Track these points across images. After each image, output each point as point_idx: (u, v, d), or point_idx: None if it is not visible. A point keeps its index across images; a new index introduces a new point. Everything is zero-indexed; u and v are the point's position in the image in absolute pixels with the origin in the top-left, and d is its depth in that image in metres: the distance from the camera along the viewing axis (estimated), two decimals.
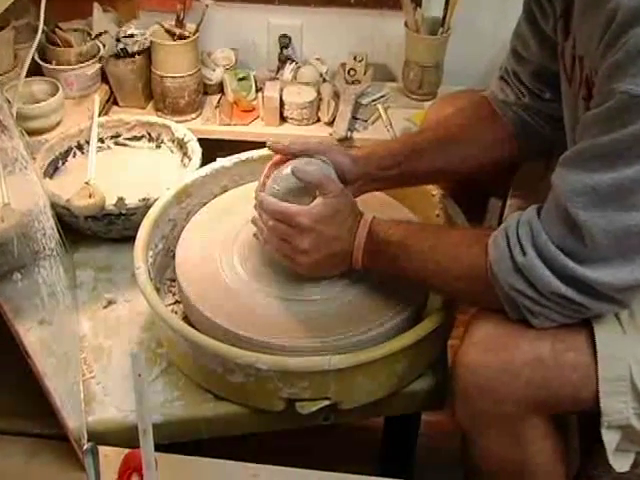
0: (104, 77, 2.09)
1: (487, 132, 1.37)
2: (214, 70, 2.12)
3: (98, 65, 2.04)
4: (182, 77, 2.01)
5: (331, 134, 1.97)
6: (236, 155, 1.56)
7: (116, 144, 1.79)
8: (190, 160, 1.66)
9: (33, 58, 1.88)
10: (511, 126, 1.36)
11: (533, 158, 1.41)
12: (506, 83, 1.38)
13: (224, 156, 1.57)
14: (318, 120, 2.06)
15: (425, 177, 1.40)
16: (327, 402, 1.23)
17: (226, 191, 1.55)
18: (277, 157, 1.34)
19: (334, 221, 1.21)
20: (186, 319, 1.34)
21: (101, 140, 1.77)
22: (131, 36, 2.03)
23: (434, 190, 1.48)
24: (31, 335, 1.07)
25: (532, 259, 1.04)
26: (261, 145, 1.48)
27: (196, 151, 1.67)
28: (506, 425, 1.13)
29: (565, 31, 1.17)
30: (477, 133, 1.37)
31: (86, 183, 1.59)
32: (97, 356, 1.36)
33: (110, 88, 2.09)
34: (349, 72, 2.11)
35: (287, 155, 1.32)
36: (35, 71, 1.97)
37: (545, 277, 1.03)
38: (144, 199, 1.53)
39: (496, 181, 1.45)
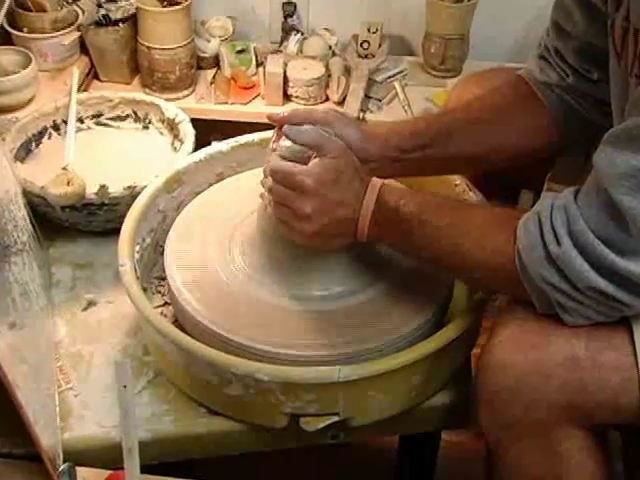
0: (83, 48, 2.09)
1: (526, 116, 1.37)
2: (209, 41, 2.12)
3: (76, 34, 2.04)
4: (172, 49, 2.02)
5: None
6: (234, 138, 1.56)
7: (97, 124, 1.79)
8: (182, 143, 1.66)
9: (1, 25, 1.88)
10: (553, 111, 1.36)
11: (574, 147, 1.40)
12: (547, 62, 1.37)
13: (220, 139, 1.57)
14: (327, 99, 2.07)
15: (450, 164, 1.39)
16: (335, 418, 1.23)
17: (222, 179, 1.55)
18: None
19: (338, 183, 1.19)
20: (177, 323, 1.35)
21: (80, 120, 1.76)
22: (114, 1, 2.03)
23: (457, 179, 1.47)
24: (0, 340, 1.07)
25: (568, 249, 1.03)
26: (262, 127, 1.48)
27: (188, 133, 1.67)
28: (539, 435, 1.13)
29: (617, 0, 1.16)
30: (514, 117, 1.37)
31: (63, 168, 1.58)
32: (75, 365, 1.37)
33: (90, 60, 2.10)
34: (362, 45, 2.11)
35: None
36: (4, 40, 1.98)
37: (582, 270, 1.03)
38: (129, 187, 1.53)
39: (530, 172, 1.44)
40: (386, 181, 1.38)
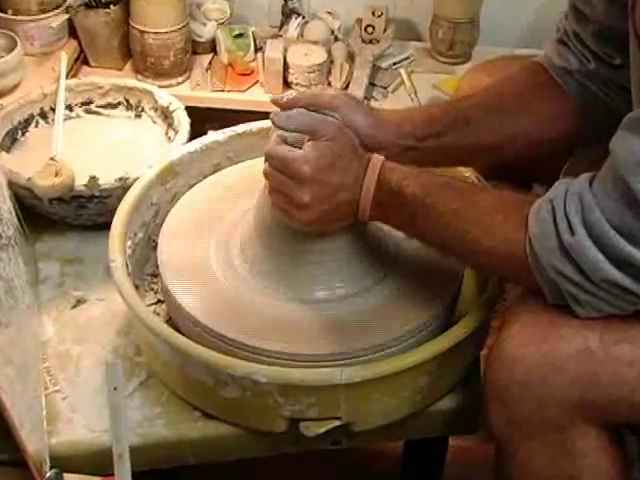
0: (72, 31, 2.09)
1: (545, 104, 1.36)
2: (205, 25, 2.12)
3: (65, 16, 2.04)
4: (166, 33, 2.02)
5: None
6: (231, 127, 1.56)
7: (87, 112, 1.79)
8: (176, 133, 1.66)
9: None
10: (573, 97, 1.35)
11: (591, 140, 1.39)
12: (566, 47, 1.36)
13: (216, 128, 1.57)
14: (329, 86, 2.06)
15: (464, 154, 1.38)
16: (337, 423, 1.22)
17: (219, 170, 1.55)
18: None
19: (335, 166, 1.18)
20: (170, 322, 1.34)
21: (69, 107, 1.76)
22: None
23: (466, 171, 1.47)
24: None
25: (582, 239, 1.03)
26: (261, 116, 1.48)
27: (183, 122, 1.67)
28: (550, 432, 1.12)
29: None
30: (534, 105, 1.36)
31: (51, 159, 1.58)
32: (63, 365, 1.36)
33: (80, 44, 2.10)
34: (366, 29, 2.11)
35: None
36: None
37: (597, 261, 1.03)
38: (121, 179, 1.53)
39: (545, 164, 1.43)
40: None
